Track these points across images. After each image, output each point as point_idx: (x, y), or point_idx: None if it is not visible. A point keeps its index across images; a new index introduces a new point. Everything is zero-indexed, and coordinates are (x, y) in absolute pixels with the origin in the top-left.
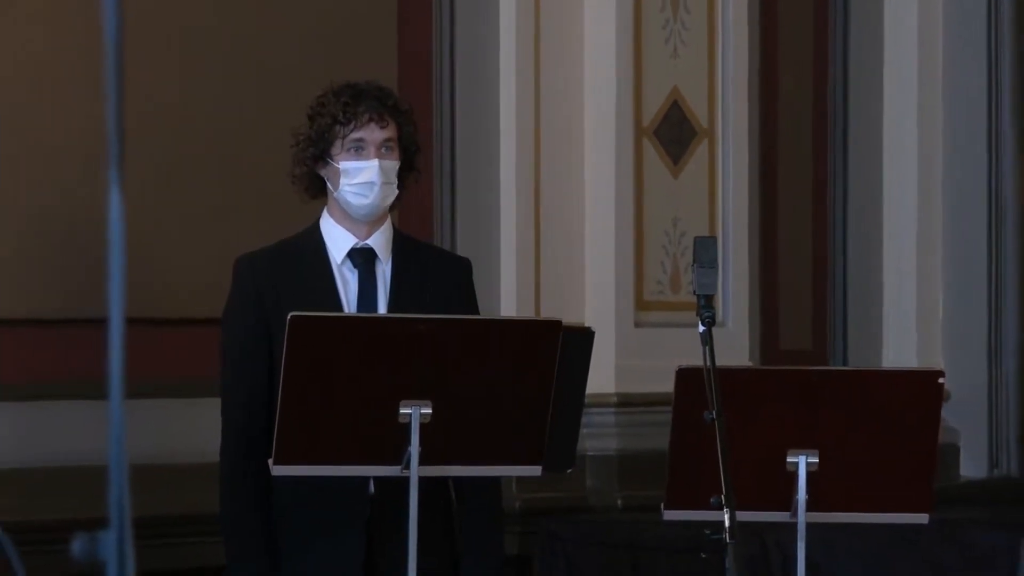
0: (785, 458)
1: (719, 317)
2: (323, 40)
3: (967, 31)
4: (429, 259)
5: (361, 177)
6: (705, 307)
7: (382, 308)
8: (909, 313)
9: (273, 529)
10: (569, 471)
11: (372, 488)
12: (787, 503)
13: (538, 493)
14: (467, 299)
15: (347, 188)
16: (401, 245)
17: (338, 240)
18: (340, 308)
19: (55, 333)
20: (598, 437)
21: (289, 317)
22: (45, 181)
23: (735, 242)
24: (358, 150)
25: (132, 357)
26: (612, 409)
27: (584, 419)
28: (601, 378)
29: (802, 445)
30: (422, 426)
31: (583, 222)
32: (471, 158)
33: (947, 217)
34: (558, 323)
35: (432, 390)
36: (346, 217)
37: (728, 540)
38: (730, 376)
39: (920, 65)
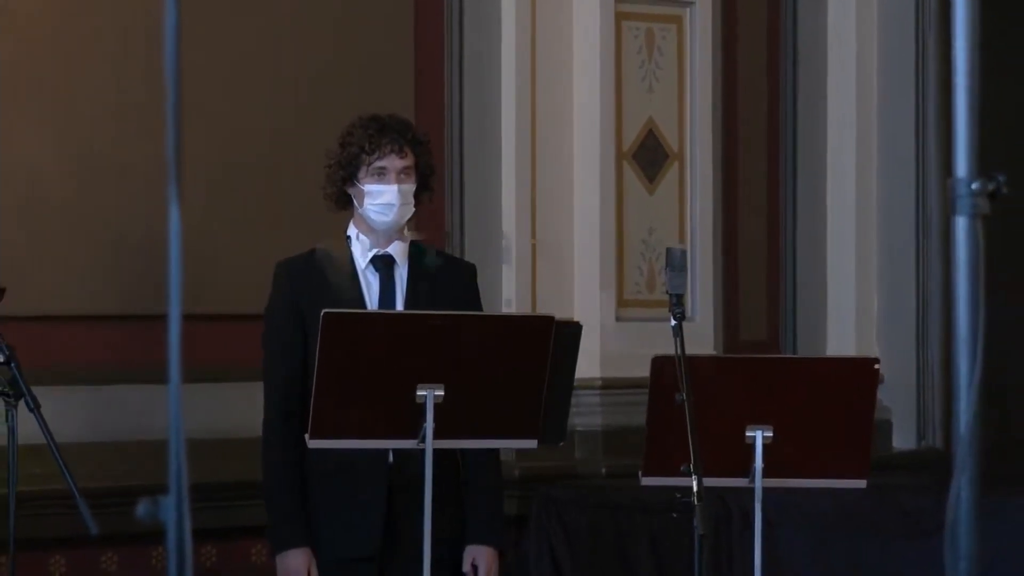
0: (744, 432)
1: (688, 313)
2: (353, 73)
3: (898, 69)
4: (440, 264)
5: (382, 199)
6: (676, 304)
7: (399, 306)
8: (849, 309)
9: (305, 495)
10: (561, 444)
11: (391, 459)
12: (746, 471)
13: (534, 462)
14: (472, 298)
15: (370, 207)
16: (416, 251)
17: (362, 248)
18: (364, 306)
19: (123, 327)
20: (585, 415)
21: (323, 313)
22: (114, 197)
23: (701, 249)
24: (380, 176)
25: (187, 347)
26: (597, 391)
27: (573, 400)
28: (588, 365)
29: (759, 421)
30: (436, 406)
31: (572, 232)
32: (477, 177)
33: (881, 227)
34: (551, 318)
35: (445, 375)
36: (369, 229)
37: (696, 502)
38: (697, 363)
39: (858, 99)
